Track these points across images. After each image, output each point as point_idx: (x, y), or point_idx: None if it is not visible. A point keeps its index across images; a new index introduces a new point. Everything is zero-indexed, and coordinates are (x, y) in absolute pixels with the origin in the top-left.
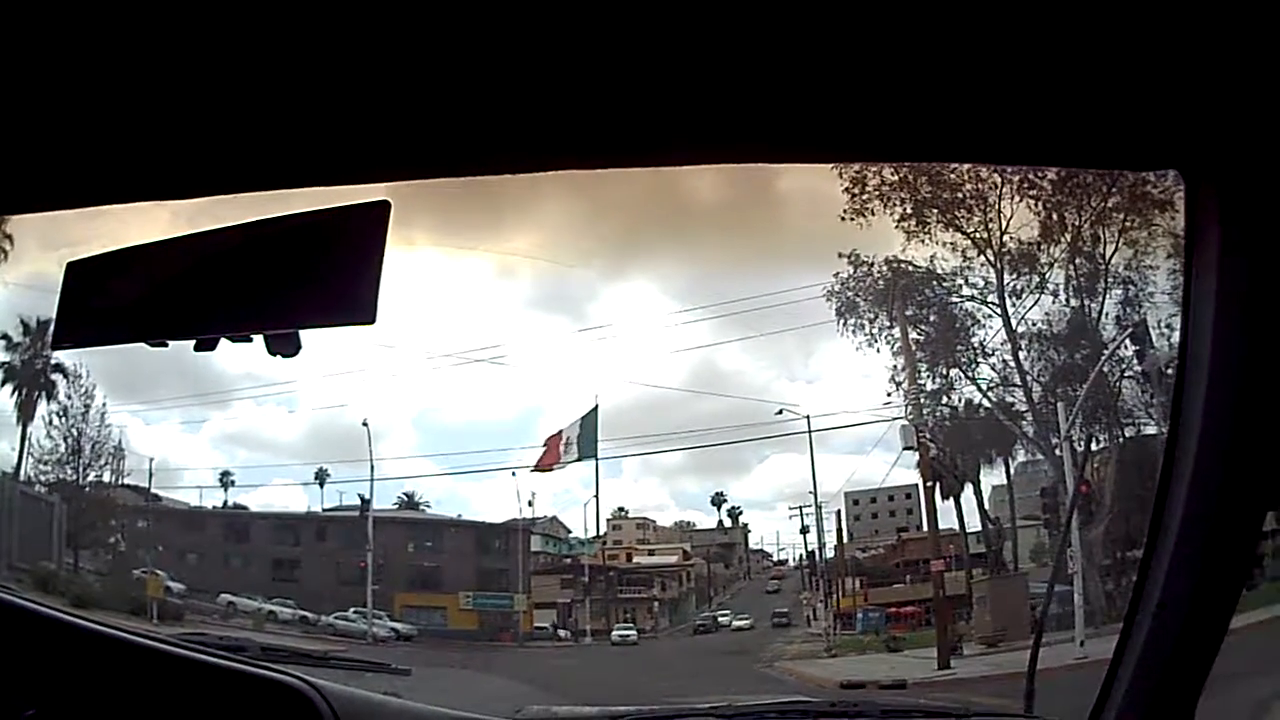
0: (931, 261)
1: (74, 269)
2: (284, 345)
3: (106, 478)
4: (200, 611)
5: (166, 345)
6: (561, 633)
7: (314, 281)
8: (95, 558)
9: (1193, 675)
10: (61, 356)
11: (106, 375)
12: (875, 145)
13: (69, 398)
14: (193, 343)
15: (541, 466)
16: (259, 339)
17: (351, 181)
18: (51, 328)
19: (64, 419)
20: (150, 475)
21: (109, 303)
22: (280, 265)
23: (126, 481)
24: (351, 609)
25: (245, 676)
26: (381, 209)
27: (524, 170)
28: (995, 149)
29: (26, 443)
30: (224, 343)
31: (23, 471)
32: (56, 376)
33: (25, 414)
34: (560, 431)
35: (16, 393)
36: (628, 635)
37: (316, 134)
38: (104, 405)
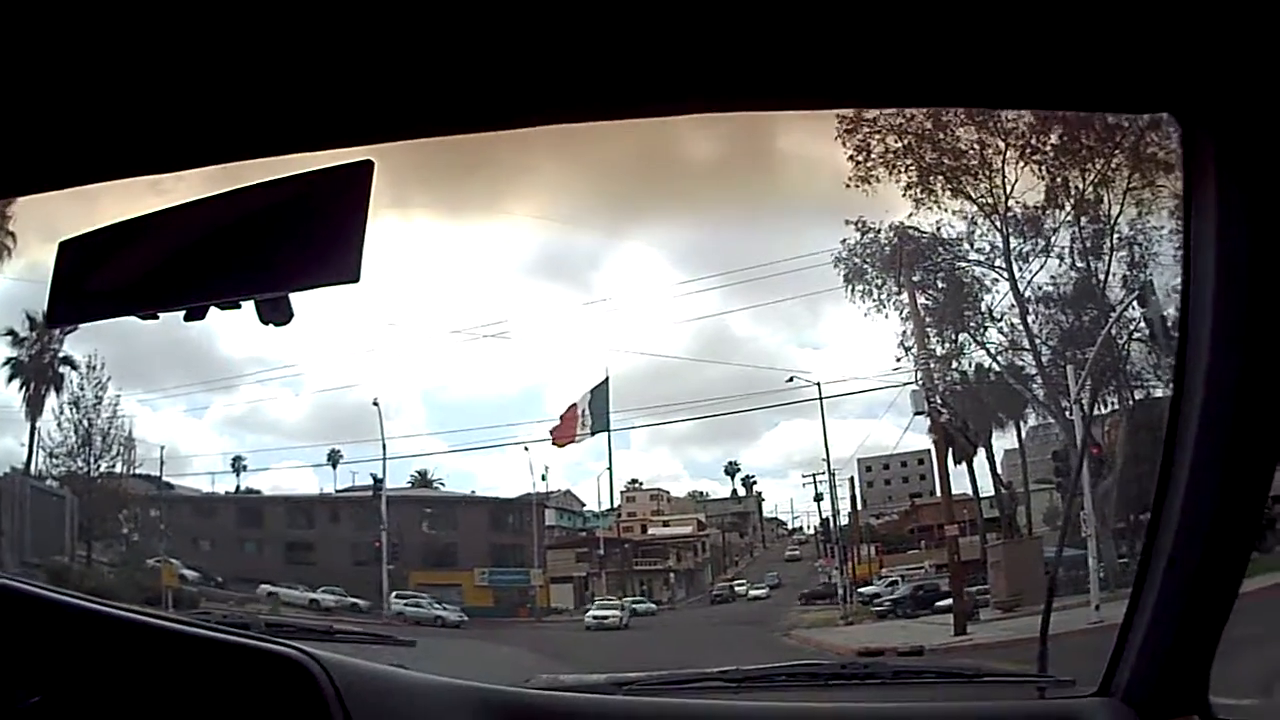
0: (938, 227)
1: (65, 248)
2: (275, 313)
3: (117, 468)
4: (213, 598)
5: (157, 317)
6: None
7: (298, 244)
8: (109, 549)
9: (1206, 633)
10: (69, 349)
11: (112, 363)
12: (866, 89)
13: (80, 389)
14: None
15: (559, 441)
16: (249, 306)
17: (337, 145)
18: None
19: (74, 411)
20: (161, 463)
21: (99, 278)
22: (266, 230)
23: (137, 471)
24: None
25: (245, 650)
26: (365, 168)
27: (513, 125)
28: (985, 91)
29: (36, 437)
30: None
31: (33, 466)
32: (64, 369)
33: (34, 408)
34: (574, 404)
35: (24, 387)
36: (644, 607)
37: (298, 98)
38: (116, 397)
